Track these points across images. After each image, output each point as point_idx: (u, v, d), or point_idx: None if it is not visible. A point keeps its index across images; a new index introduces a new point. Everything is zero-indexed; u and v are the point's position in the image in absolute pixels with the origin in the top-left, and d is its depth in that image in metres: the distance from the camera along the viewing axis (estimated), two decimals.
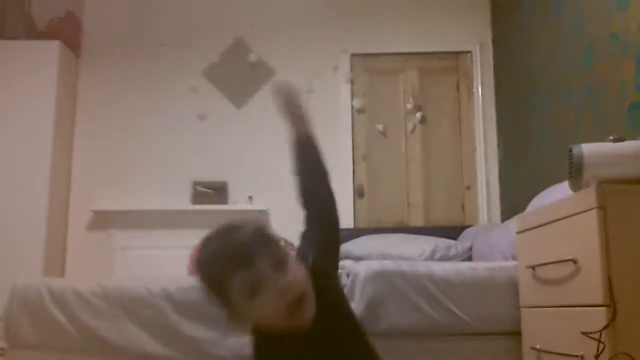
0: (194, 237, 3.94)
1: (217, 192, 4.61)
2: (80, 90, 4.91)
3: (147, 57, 4.91)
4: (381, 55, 4.89)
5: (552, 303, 2.02)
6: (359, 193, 4.64)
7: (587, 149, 1.81)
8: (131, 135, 4.82)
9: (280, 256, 1.37)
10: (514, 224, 2.47)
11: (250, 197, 4.63)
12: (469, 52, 4.85)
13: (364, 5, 4.93)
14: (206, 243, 1.44)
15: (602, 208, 1.69)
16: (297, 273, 1.38)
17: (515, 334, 2.32)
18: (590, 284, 1.73)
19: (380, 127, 4.76)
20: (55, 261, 4.52)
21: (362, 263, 2.50)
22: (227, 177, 4.69)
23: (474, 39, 4.84)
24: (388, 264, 2.46)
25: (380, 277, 2.37)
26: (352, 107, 4.79)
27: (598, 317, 1.67)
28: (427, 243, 3.50)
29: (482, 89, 4.78)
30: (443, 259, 3.37)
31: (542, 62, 3.71)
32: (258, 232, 1.39)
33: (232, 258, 1.34)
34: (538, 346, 2.09)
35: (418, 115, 4.78)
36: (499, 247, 2.97)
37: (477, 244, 3.41)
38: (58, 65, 4.59)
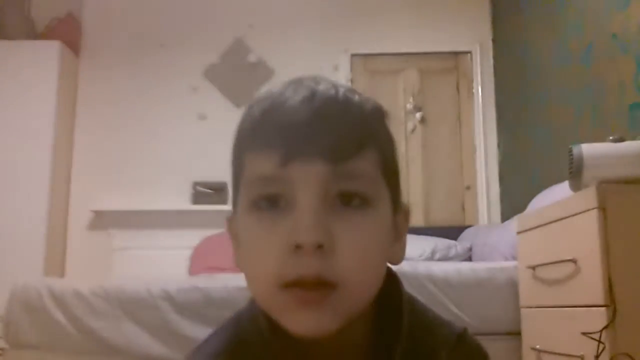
0: (194, 238, 3.98)
1: (217, 192, 4.61)
2: (80, 90, 4.91)
3: (147, 58, 4.91)
4: (381, 55, 4.89)
5: (552, 303, 2.03)
6: None
7: (587, 149, 1.81)
8: (131, 135, 4.82)
9: (370, 185, 0.65)
10: (514, 224, 2.47)
11: None
12: (469, 52, 4.85)
13: (364, 5, 4.93)
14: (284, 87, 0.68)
15: (602, 208, 1.69)
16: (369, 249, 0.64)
17: (515, 334, 2.32)
18: (590, 284, 1.73)
19: None
20: (55, 261, 4.52)
21: None
22: (227, 177, 4.67)
23: (474, 39, 4.84)
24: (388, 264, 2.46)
25: None
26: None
27: (598, 317, 1.67)
28: (427, 243, 3.50)
29: (482, 89, 4.78)
30: (443, 259, 3.37)
31: (542, 62, 3.70)
32: (374, 109, 0.69)
33: (280, 123, 0.63)
34: (538, 346, 2.09)
35: (418, 115, 4.78)
36: (499, 248, 2.97)
37: (477, 244, 3.42)
38: (58, 65, 4.59)
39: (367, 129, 0.66)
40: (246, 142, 0.67)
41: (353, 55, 4.88)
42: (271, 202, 0.63)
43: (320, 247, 0.60)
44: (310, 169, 0.61)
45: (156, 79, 4.88)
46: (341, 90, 0.66)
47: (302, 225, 0.60)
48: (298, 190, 0.62)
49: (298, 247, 0.60)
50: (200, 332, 2.37)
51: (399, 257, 0.73)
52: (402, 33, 4.87)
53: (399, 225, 0.72)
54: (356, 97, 0.67)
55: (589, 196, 1.74)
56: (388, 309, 0.71)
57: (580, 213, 1.80)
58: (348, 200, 0.63)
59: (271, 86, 0.68)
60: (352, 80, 4.83)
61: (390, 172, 0.69)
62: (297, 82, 0.67)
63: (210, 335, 0.77)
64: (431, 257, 3.39)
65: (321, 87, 0.66)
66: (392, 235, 0.69)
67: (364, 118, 0.66)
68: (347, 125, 0.64)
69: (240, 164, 0.68)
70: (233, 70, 4.88)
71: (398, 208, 0.71)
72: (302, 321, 0.62)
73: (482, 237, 3.39)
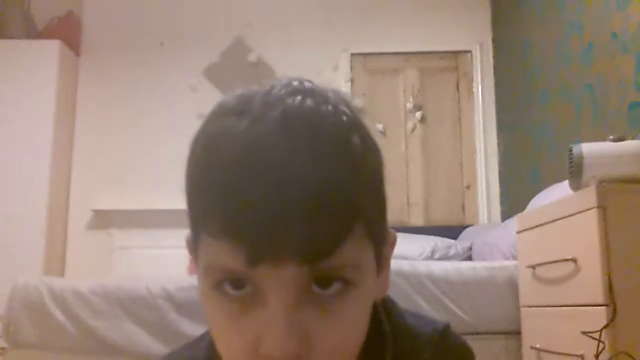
0: None
1: None
2: (80, 89, 4.91)
3: (147, 57, 4.90)
4: (381, 54, 4.89)
5: (552, 302, 2.03)
6: None
7: (587, 148, 1.81)
8: (131, 135, 4.82)
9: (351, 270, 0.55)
10: (514, 223, 2.47)
11: None
12: (469, 51, 4.85)
13: (364, 4, 4.92)
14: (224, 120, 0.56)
15: (602, 207, 1.69)
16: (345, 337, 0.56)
17: (515, 334, 2.32)
18: (590, 283, 1.73)
19: (380, 126, 4.76)
20: (55, 260, 4.52)
21: None
22: None
23: (474, 39, 4.84)
24: None
25: None
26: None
27: (598, 317, 1.67)
28: (427, 242, 3.50)
29: (482, 89, 4.78)
30: (443, 258, 3.37)
31: (542, 62, 3.70)
32: (361, 147, 0.55)
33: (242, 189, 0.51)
34: (538, 345, 2.09)
35: (418, 114, 4.78)
36: (499, 247, 2.97)
37: (477, 243, 3.42)
38: (58, 64, 4.58)
39: (357, 203, 0.52)
40: (201, 217, 0.54)
41: (353, 55, 4.88)
42: (237, 286, 0.53)
43: (295, 357, 0.51)
44: (283, 271, 0.51)
45: (156, 78, 4.87)
46: (323, 139, 0.52)
47: (273, 335, 0.51)
48: (268, 288, 0.52)
49: (270, 358, 0.51)
50: (199, 331, 2.37)
51: (383, 291, 0.65)
52: (402, 32, 4.87)
53: (385, 256, 0.63)
54: (344, 140, 0.53)
55: (588, 195, 1.74)
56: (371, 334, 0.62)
57: (580, 212, 1.80)
58: (327, 285, 0.53)
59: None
60: (352, 80, 4.82)
61: (376, 229, 0.57)
62: (261, 121, 0.52)
63: (183, 347, 0.76)
64: (431, 257, 3.39)
65: (295, 134, 0.51)
66: (375, 270, 0.59)
67: (354, 185, 0.52)
68: (331, 207, 0.50)
69: (195, 229, 0.57)
70: (233, 70, 4.88)
71: (383, 245, 0.61)
72: None
73: (482, 237, 3.39)
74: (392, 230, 0.65)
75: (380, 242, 0.59)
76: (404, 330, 0.69)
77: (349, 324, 0.55)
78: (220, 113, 0.58)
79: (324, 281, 0.53)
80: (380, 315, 0.67)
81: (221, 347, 0.56)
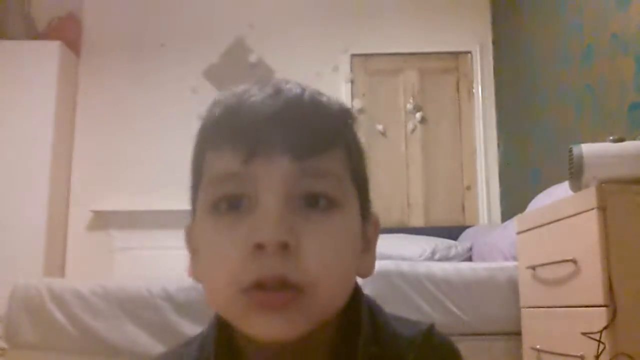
0: None
1: None
2: (81, 90, 4.91)
3: (147, 58, 4.90)
4: (381, 55, 4.89)
5: (552, 303, 2.03)
6: None
7: (587, 149, 1.81)
8: (131, 136, 4.82)
9: (334, 184, 0.61)
10: (514, 224, 2.47)
11: None
12: (469, 52, 4.85)
13: (364, 5, 4.92)
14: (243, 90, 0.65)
15: (602, 208, 1.69)
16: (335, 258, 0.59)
17: (516, 334, 2.32)
18: (591, 284, 1.73)
19: (380, 127, 4.76)
20: (55, 261, 4.52)
21: None
22: None
23: (474, 39, 4.84)
24: (388, 264, 2.46)
25: (380, 277, 2.37)
26: (352, 107, 4.79)
27: (598, 318, 1.67)
28: (427, 243, 3.50)
29: (482, 90, 4.78)
30: (443, 259, 3.37)
31: (542, 63, 3.71)
32: (343, 110, 0.66)
33: (245, 120, 0.61)
34: (538, 346, 2.09)
35: (418, 115, 4.78)
36: (499, 248, 2.97)
37: (477, 244, 3.42)
38: (58, 65, 4.58)
39: (335, 127, 0.63)
40: (208, 140, 0.64)
41: (353, 56, 4.88)
42: (232, 204, 0.59)
43: (284, 246, 0.55)
44: (275, 165, 0.58)
45: (156, 78, 4.87)
46: (308, 90, 0.63)
47: (264, 223, 0.56)
48: (261, 188, 0.58)
49: (260, 246, 0.55)
50: (199, 331, 2.37)
51: (368, 270, 0.67)
52: (403, 33, 4.87)
53: (369, 235, 0.67)
54: (324, 98, 0.64)
55: (589, 196, 1.74)
56: (349, 322, 0.66)
57: (580, 213, 1.80)
58: (314, 202, 0.59)
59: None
60: (352, 81, 4.83)
61: (359, 177, 0.65)
62: (262, 82, 0.64)
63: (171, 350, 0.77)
64: (431, 257, 3.39)
65: (287, 86, 0.63)
66: (360, 245, 0.65)
67: (332, 116, 0.63)
68: (313, 121, 0.61)
69: (200, 166, 0.64)
70: (233, 71, 4.88)
71: (367, 216, 0.67)
72: (265, 326, 0.56)
73: (482, 237, 3.39)
74: (375, 213, 0.70)
75: (364, 193, 0.66)
76: (388, 333, 0.69)
77: (335, 240, 0.59)
78: (219, 97, 0.67)
79: (312, 199, 0.59)
80: (361, 305, 0.68)
81: (211, 261, 0.60)
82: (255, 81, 0.65)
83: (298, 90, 0.63)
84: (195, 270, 0.64)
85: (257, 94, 0.61)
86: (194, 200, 0.65)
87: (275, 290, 0.55)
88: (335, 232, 0.59)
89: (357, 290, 0.67)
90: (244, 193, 0.59)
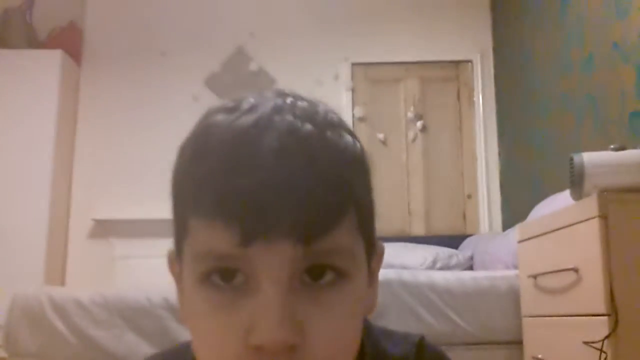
0: None
1: None
2: (82, 99, 4.92)
3: (148, 66, 4.91)
4: (382, 64, 4.90)
5: (553, 312, 2.02)
6: None
7: (588, 157, 1.81)
8: (132, 144, 4.82)
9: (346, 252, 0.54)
10: (515, 233, 2.47)
11: None
12: (470, 61, 4.86)
13: (365, 14, 4.94)
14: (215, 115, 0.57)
15: (603, 217, 1.69)
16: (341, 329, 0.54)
17: (517, 344, 2.32)
18: (592, 293, 1.73)
19: (381, 135, 4.76)
20: (56, 270, 4.51)
21: None
22: None
23: (475, 48, 4.85)
24: (389, 273, 2.46)
25: (382, 286, 2.36)
26: (353, 115, 4.79)
27: (600, 327, 1.67)
28: (428, 252, 3.50)
29: (482, 98, 4.79)
30: (444, 268, 3.36)
31: (543, 71, 3.71)
32: (355, 153, 0.57)
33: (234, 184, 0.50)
34: (540, 356, 2.09)
35: (419, 124, 4.79)
36: (500, 256, 2.96)
37: (479, 253, 3.41)
38: (60, 74, 4.59)
39: (347, 189, 0.52)
40: (190, 202, 0.53)
41: (354, 64, 4.88)
42: (225, 277, 0.51)
43: (289, 347, 0.48)
44: (276, 250, 0.49)
45: (157, 87, 4.88)
46: (314, 134, 0.52)
47: (266, 322, 0.48)
48: (260, 271, 0.50)
49: (261, 348, 0.48)
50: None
51: (372, 305, 0.61)
52: (403, 42, 4.88)
53: (373, 268, 0.60)
54: (333, 139, 0.53)
55: (590, 205, 1.73)
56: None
57: (581, 222, 1.79)
58: (319, 276, 0.51)
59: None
60: (353, 89, 4.83)
61: (368, 223, 0.57)
62: (256, 115, 0.52)
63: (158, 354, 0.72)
64: (432, 266, 3.38)
65: (289, 128, 0.51)
66: (366, 275, 0.57)
67: (344, 174, 0.52)
68: (323, 190, 0.50)
69: (182, 222, 0.55)
70: (234, 79, 4.89)
71: (372, 252, 0.59)
72: None
73: (484, 246, 3.39)
74: (380, 242, 0.63)
75: (371, 241, 0.58)
76: (379, 353, 0.66)
77: (343, 318, 0.52)
78: (209, 113, 0.57)
79: (317, 270, 0.51)
80: (362, 335, 0.62)
81: (205, 349, 0.53)
82: (249, 110, 0.53)
83: (303, 139, 0.51)
84: (184, 319, 0.58)
85: (253, 144, 0.50)
86: (178, 238, 0.57)
87: None
88: (342, 310, 0.52)
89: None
90: (239, 269, 0.51)
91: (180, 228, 0.56)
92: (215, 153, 0.51)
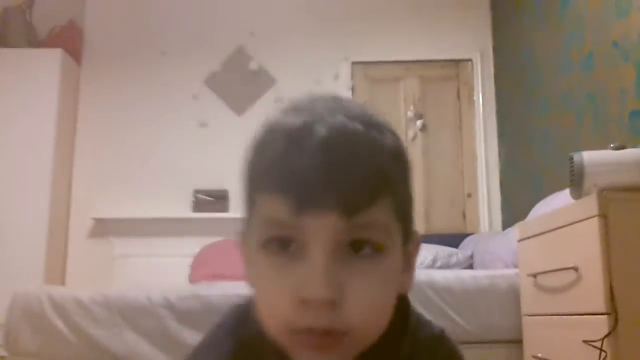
0: (194, 245, 3.98)
1: (218, 200, 4.61)
2: (82, 98, 4.92)
3: (148, 65, 4.91)
4: (382, 63, 4.90)
5: (553, 311, 2.02)
6: None
7: (588, 156, 1.81)
8: (132, 143, 4.82)
9: (383, 233, 0.64)
10: (515, 231, 2.47)
11: None
12: (470, 60, 4.86)
13: (365, 13, 4.94)
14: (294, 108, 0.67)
15: (603, 216, 1.69)
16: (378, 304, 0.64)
17: (517, 342, 2.32)
18: (592, 292, 1.73)
19: None
20: (56, 269, 4.52)
21: None
22: (228, 185, 4.69)
23: (475, 47, 4.85)
24: None
25: None
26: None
27: (600, 325, 1.67)
28: (428, 251, 3.49)
29: (482, 97, 4.79)
30: (444, 267, 3.36)
31: (543, 70, 3.71)
32: (394, 148, 0.67)
33: (293, 173, 0.61)
34: (540, 354, 2.09)
35: (419, 123, 4.79)
36: (500, 255, 2.96)
37: (478, 251, 3.41)
38: (59, 73, 4.59)
39: (385, 176, 0.64)
40: (258, 181, 0.66)
41: (354, 63, 4.88)
42: (282, 245, 0.63)
43: (330, 302, 0.60)
44: (324, 220, 0.60)
45: (157, 86, 4.88)
46: (359, 130, 0.63)
47: (313, 281, 0.60)
48: (310, 238, 0.61)
49: (307, 301, 0.60)
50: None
51: (407, 287, 0.73)
52: (403, 41, 4.88)
53: (410, 255, 0.71)
54: (376, 136, 0.65)
55: (590, 204, 1.73)
56: (395, 326, 0.71)
57: (581, 221, 1.79)
58: (359, 248, 0.62)
59: (276, 98, 0.72)
60: (352, 88, 4.83)
61: (404, 210, 0.67)
62: (312, 114, 0.64)
63: (209, 337, 0.79)
64: (432, 265, 3.38)
65: (338, 125, 0.63)
66: (401, 269, 0.68)
67: (383, 164, 0.64)
68: (364, 174, 0.61)
69: (251, 198, 0.67)
70: (234, 78, 4.89)
71: (409, 239, 0.70)
72: None
73: (483, 245, 3.39)
74: (418, 232, 0.73)
75: (407, 227, 0.68)
76: (417, 328, 0.77)
77: (378, 286, 0.63)
78: (274, 114, 0.68)
79: (358, 245, 0.62)
80: (408, 310, 0.76)
81: (264, 303, 0.64)
82: (305, 110, 0.65)
83: (350, 133, 0.63)
84: (249, 281, 0.69)
85: (308, 137, 0.62)
86: (248, 216, 0.69)
87: (322, 335, 0.61)
88: (378, 280, 0.63)
89: (404, 299, 0.76)
90: (292, 237, 0.62)
91: (250, 203, 0.67)
92: (278, 143, 0.63)
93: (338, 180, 0.60)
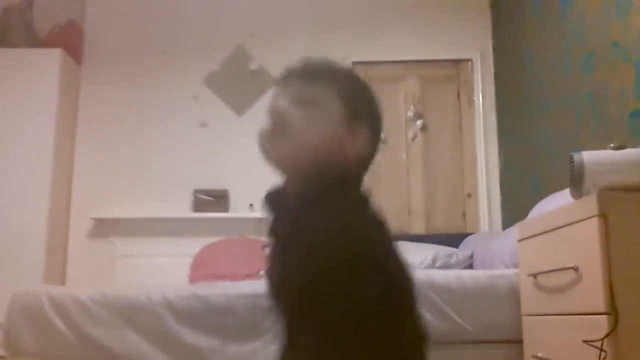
0: (194, 245, 3.98)
1: (218, 200, 4.61)
2: (82, 98, 4.92)
3: (149, 65, 4.91)
4: (382, 63, 4.90)
5: (553, 311, 2.02)
6: None
7: (588, 156, 1.81)
8: (132, 143, 4.82)
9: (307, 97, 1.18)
10: (515, 231, 2.47)
11: (251, 205, 4.63)
12: (470, 59, 4.86)
13: (365, 13, 4.94)
14: None
15: (603, 216, 1.69)
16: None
17: (517, 342, 2.31)
18: (592, 291, 1.73)
19: (381, 134, 4.75)
20: (56, 269, 4.51)
21: None
22: (228, 185, 4.69)
23: (475, 47, 4.85)
24: None
25: None
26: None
27: (600, 325, 1.67)
28: (428, 251, 3.50)
29: (482, 97, 4.79)
30: (444, 266, 3.36)
31: (543, 70, 3.71)
32: (339, 65, 1.29)
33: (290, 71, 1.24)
34: (540, 354, 2.09)
35: (419, 123, 4.79)
36: (500, 255, 2.96)
37: (478, 251, 3.41)
38: (60, 73, 4.59)
39: (330, 72, 1.23)
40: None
41: (354, 63, 4.87)
42: None
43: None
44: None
45: (157, 86, 4.88)
46: (321, 60, 1.25)
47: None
48: None
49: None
50: (200, 339, 2.37)
51: (351, 152, 1.21)
52: (403, 41, 4.88)
53: (354, 130, 1.23)
54: (331, 61, 1.18)
55: (590, 204, 1.73)
56: None
57: (581, 220, 1.79)
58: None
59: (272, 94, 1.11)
60: None
61: (348, 99, 1.24)
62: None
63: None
64: (432, 265, 3.38)
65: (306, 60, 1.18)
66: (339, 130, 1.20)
67: (331, 68, 1.24)
68: (316, 66, 1.24)
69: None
70: (234, 78, 4.89)
71: (356, 120, 1.22)
72: None
73: (483, 245, 3.39)
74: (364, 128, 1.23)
75: (352, 111, 1.22)
76: None
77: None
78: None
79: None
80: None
81: None
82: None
83: (314, 61, 1.23)
84: None
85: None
86: None
87: None
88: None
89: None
90: None
91: None
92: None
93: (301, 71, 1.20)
